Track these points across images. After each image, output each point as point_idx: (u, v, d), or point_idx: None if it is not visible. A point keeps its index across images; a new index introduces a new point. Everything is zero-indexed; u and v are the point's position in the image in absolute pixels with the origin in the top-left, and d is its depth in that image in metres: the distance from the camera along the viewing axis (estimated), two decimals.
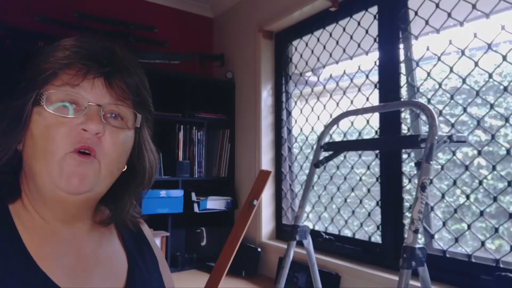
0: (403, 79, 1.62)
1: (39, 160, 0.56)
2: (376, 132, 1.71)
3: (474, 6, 1.36)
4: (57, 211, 0.61)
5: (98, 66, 0.57)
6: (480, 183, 1.34)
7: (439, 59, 1.49)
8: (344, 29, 1.90)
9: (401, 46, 1.62)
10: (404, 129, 1.61)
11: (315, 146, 1.51)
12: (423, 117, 1.52)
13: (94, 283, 0.61)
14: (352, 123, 1.85)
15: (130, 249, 0.71)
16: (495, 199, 1.28)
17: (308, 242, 1.40)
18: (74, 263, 0.61)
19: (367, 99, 1.77)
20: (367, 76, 1.78)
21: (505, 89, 1.29)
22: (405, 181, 1.59)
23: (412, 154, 1.57)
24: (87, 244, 0.64)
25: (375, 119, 1.73)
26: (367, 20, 1.77)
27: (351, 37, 1.85)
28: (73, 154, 0.56)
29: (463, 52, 1.41)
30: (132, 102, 0.61)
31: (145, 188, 0.70)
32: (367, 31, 1.77)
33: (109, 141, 0.59)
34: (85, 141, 0.56)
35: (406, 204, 1.59)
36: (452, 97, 1.43)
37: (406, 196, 1.60)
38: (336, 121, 1.44)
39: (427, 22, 1.52)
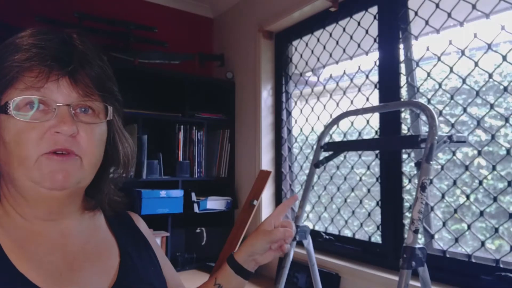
0: (403, 79, 1.61)
1: (16, 167, 0.55)
2: (376, 132, 1.71)
3: (474, 6, 1.36)
4: (42, 210, 0.60)
5: (60, 65, 0.56)
6: (480, 183, 1.34)
7: (439, 59, 1.49)
8: (344, 29, 1.90)
9: (401, 46, 1.62)
10: (404, 129, 1.61)
11: (315, 146, 1.51)
12: (423, 117, 1.52)
13: (81, 280, 0.60)
14: (352, 123, 1.85)
15: (124, 244, 0.70)
16: (495, 199, 1.28)
17: (308, 242, 1.40)
18: (59, 262, 0.60)
19: (367, 99, 1.77)
20: (367, 76, 1.78)
21: (505, 89, 1.29)
22: (405, 181, 1.59)
23: (412, 154, 1.57)
24: (75, 241, 0.63)
25: (375, 119, 1.73)
26: (367, 20, 1.77)
27: (351, 37, 1.85)
28: (50, 155, 0.55)
29: (463, 52, 1.41)
30: (99, 95, 0.60)
31: (124, 173, 0.69)
32: (367, 31, 1.77)
33: (85, 138, 0.58)
34: (61, 143, 0.55)
35: (406, 204, 1.59)
36: (452, 97, 1.43)
37: (406, 196, 1.59)
38: (336, 121, 1.44)
39: (427, 22, 1.52)
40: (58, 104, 0.56)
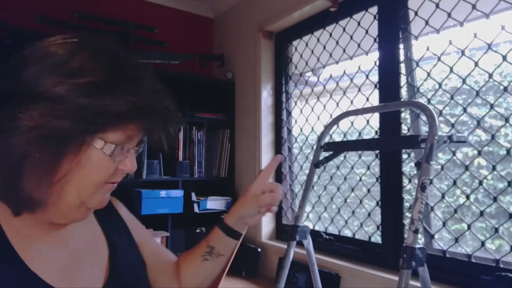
0: (403, 79, 1.61)
1: (74, 186, 0.57)
2: (376, 132, 1.71)
3: (474, 6, 1.36)
4: (62, 220, 0.62)
5: (156, 124, 0.62)
6: (480, 183, 1.34)
7: (439, 59, 1.49)
8: (344, 29, 1.90)
9: (401, 46, 1.62)
10: (404, 129, 1.61)
11: (315, 146, 1.51)
12: (423, 117, 1.51)
13: (83, 272, 0.63)
14: (352, 123, 1.85)
15: (108, 230, 0.74)
16: (495, 199, 1.28)
17: (308, 242, 1.40)
18: (65, 257, 0.62)
19: (367, 99, 1.77)
20: (367, 76, 1.78)
21: (505, 89, 1.29)
22: (405, 181, 1.59)
23: (412, 154, 1.57)
24: (76, 234, 0.66)
25: (375, 119, 1.73)
26: (367, 20, 1.77)
27: (351, 37, 1.85)
28: (106, 185, 0.61)
29: (463, 52, 1.41)
30: None
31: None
32: (367, 31, 1.77)
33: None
34: (119, 178, 0.62)
35: (406, 204, 1.59)
36: (452, 97, 1.43)
37: (406, 196, 1.59)
38: (336, 121, 1.44)
39: (427, 22, 1.52)
40: (132, 148, 0.61)
